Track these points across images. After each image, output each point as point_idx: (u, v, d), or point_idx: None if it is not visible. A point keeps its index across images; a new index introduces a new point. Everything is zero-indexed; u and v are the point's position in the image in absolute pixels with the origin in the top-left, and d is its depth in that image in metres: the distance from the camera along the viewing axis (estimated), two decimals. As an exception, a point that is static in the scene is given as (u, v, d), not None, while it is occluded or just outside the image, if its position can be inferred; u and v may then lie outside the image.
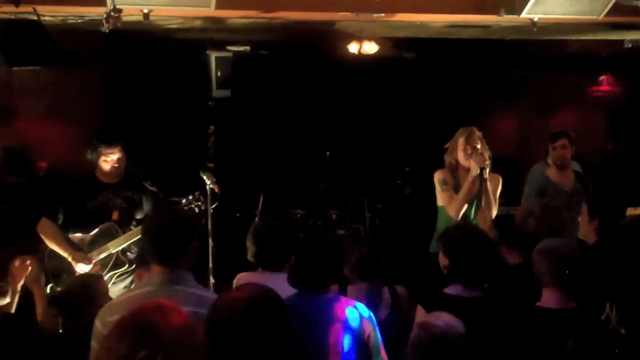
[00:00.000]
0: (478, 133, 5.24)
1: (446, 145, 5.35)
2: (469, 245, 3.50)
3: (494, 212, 5.17)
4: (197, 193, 5.18)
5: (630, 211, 6.13)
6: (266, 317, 2.43)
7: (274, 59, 7.80)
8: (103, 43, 6.18)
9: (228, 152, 7.66)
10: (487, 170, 5.02)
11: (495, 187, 5.22)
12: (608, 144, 9.35)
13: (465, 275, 3.47)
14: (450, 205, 5.16)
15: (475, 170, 5.02)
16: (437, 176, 5.29)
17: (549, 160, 6.05)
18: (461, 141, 5.21)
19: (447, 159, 5.31)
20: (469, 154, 5.12)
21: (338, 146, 8.31)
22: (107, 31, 4.36)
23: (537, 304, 3.37)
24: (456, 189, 5.21)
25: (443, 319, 2.92)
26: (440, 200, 5.28)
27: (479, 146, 5.15)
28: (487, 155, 5.13)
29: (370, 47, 7.36)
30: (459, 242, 3.54)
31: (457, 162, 5.26)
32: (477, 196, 5.11)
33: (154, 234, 3.06)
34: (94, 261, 4.90)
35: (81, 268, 4.83)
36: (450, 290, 3.49)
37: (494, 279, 3.67)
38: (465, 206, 5.15)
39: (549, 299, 3.34)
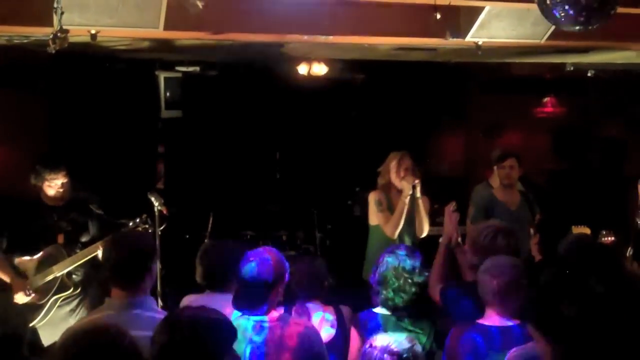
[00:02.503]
0: (409, 156, 5.64)
1: (379, 169, 5.72)
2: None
3: (426, 229, 5.64)
4: (144, 216, 5.13)
5: (575, 229, 6.28)
6: (209, 338, 2.42)
7: (224, 80, 7.80)
8: (48, 64, 6.10)
9: (177, 173, 7.62)
10: (418, 189, 5.43)
11: (425, 207, 5.62)
12: (552, 163, 9.56)
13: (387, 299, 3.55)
14: (387, 224, 5.50)
15: (408, 190, 5.42)
16: (372, 197, 5.66)
17: (493, 181, 6.16)
18: (393, 164, 5.61)
19: (380, 181, 5.71)
20: (402, 176, 5.51)
21: (288, 167, 8.33)
22: (53, 52, 4.31)
23: (478, 321, 3.42)
24: (390, 209, 5.58)
25: (385, 339, 2.98)
26: (375, 220, 5.63)
27: (409, 168, 5.54)
28: (418, 176, 5.52)
29: (319, 69, 7.43)
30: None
31: (390, 184, 5.63)
32: (410, 215, 5.52)
33: (113, 260, 3.05)
34: (32, 289, 4.82)
35: (19, 298, 4.75)
36: (379, 310, 3.58)
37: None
38: (401, 225, 5.48)
39: (490, 316, 3.39)
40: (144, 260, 3.06)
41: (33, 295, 4.82)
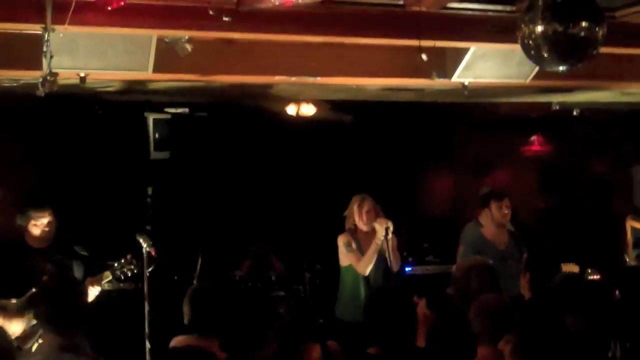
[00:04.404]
0: (369, 198, 5.95)
1: (345, 213, 6.04)
2: (385, 307, 3.68)
3: (398, 264, 5.94)
4: (128, 256, 5.12)
5: (564, 266, 6.30)
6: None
7: (213, 121, 7.83)
8: (36, 104, 6.11)
9: (166, 215, 7.59)
10: (391, 229, 5.65)
11: (394, 243, 5.84)
12: (540, 202, 9.59)
13: (384, 335, 3.55)
14: (359, 263, 5.80)
15: (381, 232, 5.66)
16: (341, 239, 5.98)
17: (482, 219, 6.16)
18: (355, 207, 5.95)
19: (347, 224, 6.02)
20: (367, 219, 5.82)
21: (277, 207, 8.31)
22: (42, 95, 4.33)
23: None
24: (359, 248, 5.89)
25: None
26: (346, 261, 5.92)
27: (371, 209, 5.86)
28: (381, 216, 5.81)
29: (308, 109, 7.47)
30: (375, 305, 3.75)
31: (356, 227, 5.95)
32: (382, 253, 5.74)
33: (45, 305, 3.03)
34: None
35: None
36: (373, 349, 3.56)
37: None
38: (372, 263, 5.76)
39: (483, 355, 3.39)
40: (76, 306, 3.04)
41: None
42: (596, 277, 5.86)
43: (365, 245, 5.85)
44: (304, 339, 3.88)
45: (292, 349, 3.71)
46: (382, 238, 5.64)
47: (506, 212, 6.09)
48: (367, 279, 5.81)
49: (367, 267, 5.77)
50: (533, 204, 9.41)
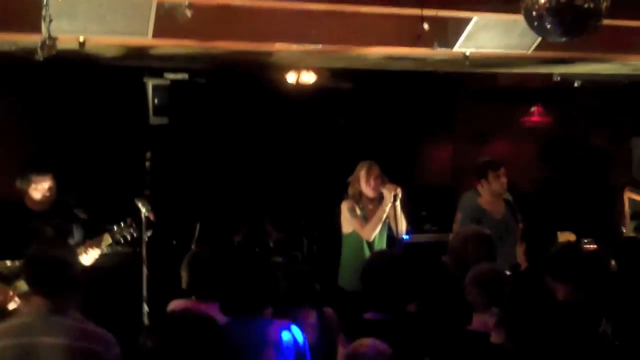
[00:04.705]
0: (376, 165, 5.92)
1: (349, 179, 5.99)
2: (382, 271, 3.72)
3: (404, 230, 5.95)
4: (129, 220, 5.14)
5: (561, 235, 6.33)
6: (198, 338, 2.42)
7: (212, 87, 7.80)
8: (35, 69, 6.09)
9: (164, 180, 7.61)
10: (400, 196, 5.67)
11: (401, 212, 5.84)
12: (539, 172, 9.61)
13: (380, 300, 3.58)
14: (363, 229, 5.78)
15: (389, 199, 5.67)
16: (345, 205, 5.96)
17: (481, 189, 6.16)
18: (362, 174, 5.91)
19: (351, 190, 5.96)
20: (374, 185, 5.80)
21: (276, 174, 8.33)
22: (41, 59, 4.32)
23: (467, 327, 3.46)
24: (363, 217, 5.86)
25: (369, 345, 2.99)
26: (349, 227, 5.91)
27: (378, 176, 5.85)
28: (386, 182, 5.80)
29: (308, 77, 7.45)
30: (373, 270, 3.76)
31: (361, 193, 5.88)
32: (386, 218, 5.80)
33: (32, 266, 3.05)
34: (17, 294, 4.81)
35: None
36: (370, 315, 3.59)
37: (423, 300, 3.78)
38: (378, 229, 5.77)
39: (478, 323, 3.43)
40: (63, 269, 3.05)
41: (18, 301, 4.80)
42: (592, 247, 5.89)
43: (370, 212, 5.84)
44: (300, 305, 3.93)
45: (287, 314, 3.76)
46: (390, 204, 5.65)
47: (503, 180, 6.10)
48: (371, 246, 5.80)
49: (372, 233, 5.77)
50: (532, 174, 9.43)
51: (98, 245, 5.09)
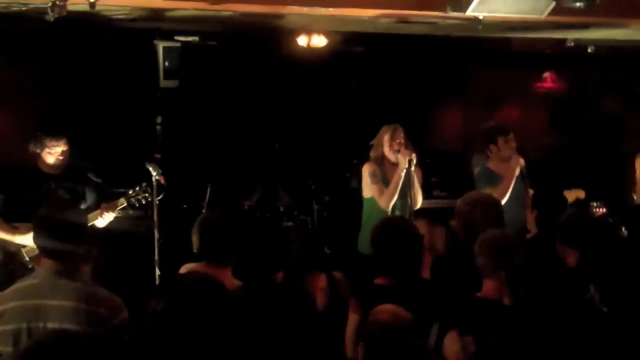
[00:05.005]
0: (401, 129, 5.72)
1: (372, 142, 5.81)
2: (394, 238, 3.73)
3: (420, 201, 5.77)
4: (144, 184, 5.15)
5: (570, 192, 6.32)
6: (208, 301, 2.43)
7: (223, 50, 7.77)
8: (47, 31, 6.07)
9: (175, 143, 7.62)
10: (414, 162, 5.50)
11: (419, 179, 5.73)
12: (551, 138, 9.56)
13: (393, 266, 3.59)
14: (381, 197, 5.59)
15: (404, 164, 5.49)
16: (367, 169, 5.75)
17: (490, 154, 6.10)
18: (387, 137, 5.71)
19: (373, 154, 5.80)
20: (397, 149, 5.60)
21: (286, 138, 8.33)
22: (52, 20, 4.29)
23: (476, 294, 3.47)
24: (384, 181, 5.66)
25: (389, 312, 3.00)
26: (369, 193, 5.72)
27: (403, 141, 5.64)
28: (411, 149, 5.60)
29: (319, 41, 7.39)
30: (384, 235, 3.79)
31: (384, 157, 5.73)
32: (404, 187, 5.58)
33: (41, 228, 3.06)
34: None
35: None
36: (380, 280, 3.61)
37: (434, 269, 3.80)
38: (396, 197, 5.57)
39: (488, 289, 3.44)
40: (72, 231, 3.07)
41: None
42: (602, 210, 5.88)
43: (393, 177, 5.64)
44: (310, 269, 3.95)
45: (298, 277, 3.78)
46: (405, 170, 5.48)
47: (513, 145, 6.05)
48: (393, 212, 5.61)
49: (389, 202, 5.57)
50: (543, 141, 9.39)
51: (113, 209, 5.12)
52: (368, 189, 5.72)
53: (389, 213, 5.56)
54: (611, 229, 4.20)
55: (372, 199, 5.69)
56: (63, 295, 2.89)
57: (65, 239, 3.03)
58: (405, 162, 5.49)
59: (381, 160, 5.75)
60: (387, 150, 5.70)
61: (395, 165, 5.62)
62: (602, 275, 3.61)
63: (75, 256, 3.06)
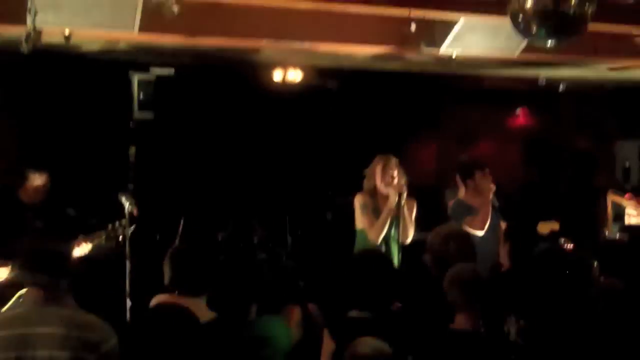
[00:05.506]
0: (394, 160, 5.56)
1: (365, 171, 5.61)
2: (368, 270, 3.69)
3: (411, 234, 5.56)
4: (123, 220, 5.16)
5: (542, 225, 6.37)
6: (179, 331, 2.42)
7: (198, 83, 7.78)
8: (20, 62, 6.06)
9: (149, 175, 7.58)
10: (405, 195, 5.34)
11: (411, 211, 5.58)
12: (523, 174, 9.66)
13: (367, 298, 3.60)
14: (371, 229, 5.44)
15: (394, 197, 5.33)
16: (358, 200, 5.57)
17: (464, 188, 6.11)
18: (378, 169, 5.52)
19: (366, 185, 5.58)
20: (388, 182, 5.42)
21: (261, 171, 8.33)
22: (26, 52, 4.29)
23: (450, 326, 3.47)
24: (375, 212, 5.49)
25: (369, 345, 2.99)
26: (360, 224, 5.54)
27: (395, 173, 5.46)
28: (403, 181, 5.44)
29: (294, 76, 7.46)
30: (357, 267, 3.75)
31: (375, 188, 5.53)
32: (395, 220, 5.42)
33: (27, 259, 3.04)
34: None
35: None
36: (354, 312, 3.60)
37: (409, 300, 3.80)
38: (385, 229, 5.42)
39: (461, 321, 3.45)
40: (58, 258, 3.06)
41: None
42: (569, 246, 5.92)
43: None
44: (284, 301, 3.93)
45: (272, 310, 3.75)
46: (394, 205, 5.34)
47: (490, 178, 6.06)
48: (387, 244, 5.47)
49: (379, 235, 5.41)
50: (516, 176, 9.48)
51: (91, 242, 5.13)
52: (359, 220, 5.56)
53: (381, 245, 5.42)
54: (585, 264, 4.22)
55: (362, 231, 5.55)
56: (53, 322, 2.85)
57: (51, 267, 3.02)
58: (395, 195, 5.36)
59: (373, 191, 5.56)
60: (378, 182, 5.52)
61: (387, 197, 5.46)
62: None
63: (62, 284, 3.05)
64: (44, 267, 3.00)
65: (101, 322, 3.02)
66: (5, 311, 3.12)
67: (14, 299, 3.88)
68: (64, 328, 2.84)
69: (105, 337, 2.94)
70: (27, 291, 3.05)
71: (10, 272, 4.34)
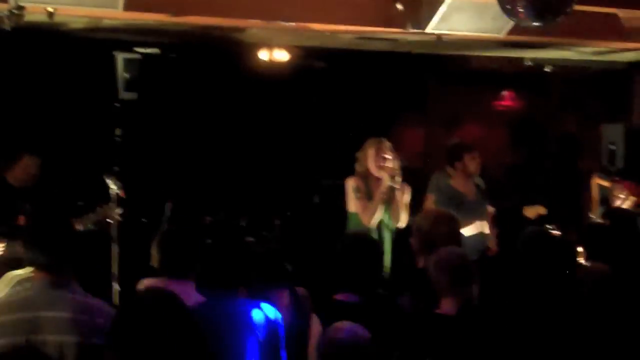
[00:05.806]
0: (387, 143, 5.51)
1: (357, 154, 5.56)
2: (355, 253, 3.71)
3: (405, 219, 5.49)
4: (111, 203, 5.15)
5: (527, 209, 6.39)
6: (166, 316, 2.41)
7: (184, 63, 7.72)
8: (2, 40, 5.98)
9: (135, 156, 7.53)
10: (398, 179, 5.33)
11: (405, 197, 5.52)
12: (509, 156, 9.67)
13: (354, 282, 3.60)
14: (364, 213, 5.39)
15: (387, 181, 5.31)
16: (350, 183, 5.50)
17: (453, 171, 6.11)
18: (371, 152, 5.46)
19: (358, 168, 5.53)
20: (381, 165, 5.37)
21: (247, 152, 8.30)
22: (8, 29, 4.23)
23: (435, 311, 3.47)
24: (368, 196, 5.43)
25: (345, 330, 2.98)
26: (353, 207, 5.47)
27: (388, 156, 5.40)
28: (397, 165, 5.42)
29: (280, 55, 7.41)
30: (345, 250, 3.76)
31: (368, 171, 5.46)
32: (388, 203, 5.40)
33: (32, 242, 3.03)
34: None
35: None
36: (342, 297, 3.60)
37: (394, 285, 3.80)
38: (377, 214, 5.36)
39: (445, 306, 3.45)
40: (66, 242, 3.05)
41: None
42: (556, 233, 5.96)
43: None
44: (272, 285, 3.92)
45: (261, 294, 3.75)
46: (387, 187, 5.32)
47: (478, 161, 6.07)
48: (379, 227, 5.42)
49: (371, 218, 5.35)
50: (502, 159, 9.50)
51: (83, 225, 5.10)
52: (352, 204, 5.48)
53: (374, 229, 5.37)
54: (570, 248, 4.23)
55: (354, 214, 5.49)
56: (60, 306, 2.86)
57: (57, 250, 3.00)
58: (387, 179, 5.34)
59: (366, 175, 5.50)
60: (371, 166, 5.45)
61: (380, 180, 5.42)
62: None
63: (67, 267, 3.03)
64: (50, 251, 2.99)
65: (107, 305, 3.04)
66: (13, 294, 3.11)
67: (13, 282, 3.88)
68: (71, 312, 2.84)
69: (111, 321, 2.94)
70: (34, 274, 3.04)
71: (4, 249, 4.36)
